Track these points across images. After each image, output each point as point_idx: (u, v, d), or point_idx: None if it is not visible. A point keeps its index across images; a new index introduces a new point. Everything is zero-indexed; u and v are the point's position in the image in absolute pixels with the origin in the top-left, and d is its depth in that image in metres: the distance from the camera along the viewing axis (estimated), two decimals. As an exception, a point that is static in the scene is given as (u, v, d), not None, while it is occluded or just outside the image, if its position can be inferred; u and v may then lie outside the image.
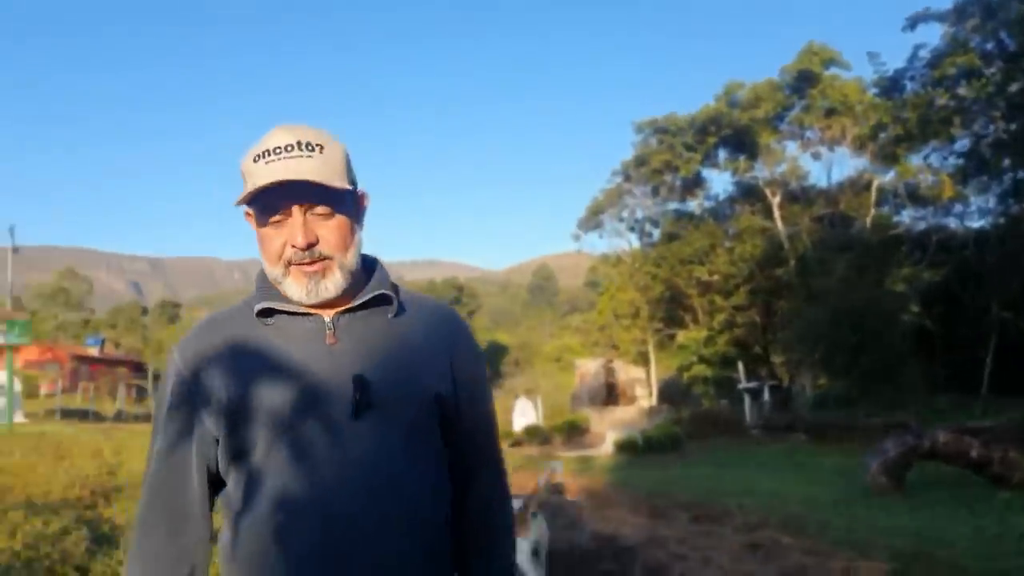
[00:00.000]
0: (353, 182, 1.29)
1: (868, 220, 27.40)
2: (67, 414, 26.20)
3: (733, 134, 27.51)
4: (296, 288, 1.22)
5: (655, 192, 32.06)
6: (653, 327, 33.92)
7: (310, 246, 1.20)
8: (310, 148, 1.21)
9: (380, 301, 1.28)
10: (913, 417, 15.15)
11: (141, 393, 45.60)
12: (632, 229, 35.67)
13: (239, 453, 1.22)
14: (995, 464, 9.51)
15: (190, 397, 1.24)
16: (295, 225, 1.20)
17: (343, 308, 1.26)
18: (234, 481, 1.24)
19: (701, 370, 29.93)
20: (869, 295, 17.18)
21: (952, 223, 27.55)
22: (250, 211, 1.27)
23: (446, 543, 1.29)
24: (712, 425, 20.36)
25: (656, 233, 34.38)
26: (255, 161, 1.20)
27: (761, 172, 28.99)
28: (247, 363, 1.23)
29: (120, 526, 6.64)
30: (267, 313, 1.25)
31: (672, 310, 33.15)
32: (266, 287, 1.28)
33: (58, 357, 50.77)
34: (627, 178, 33.87)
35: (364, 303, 1.27)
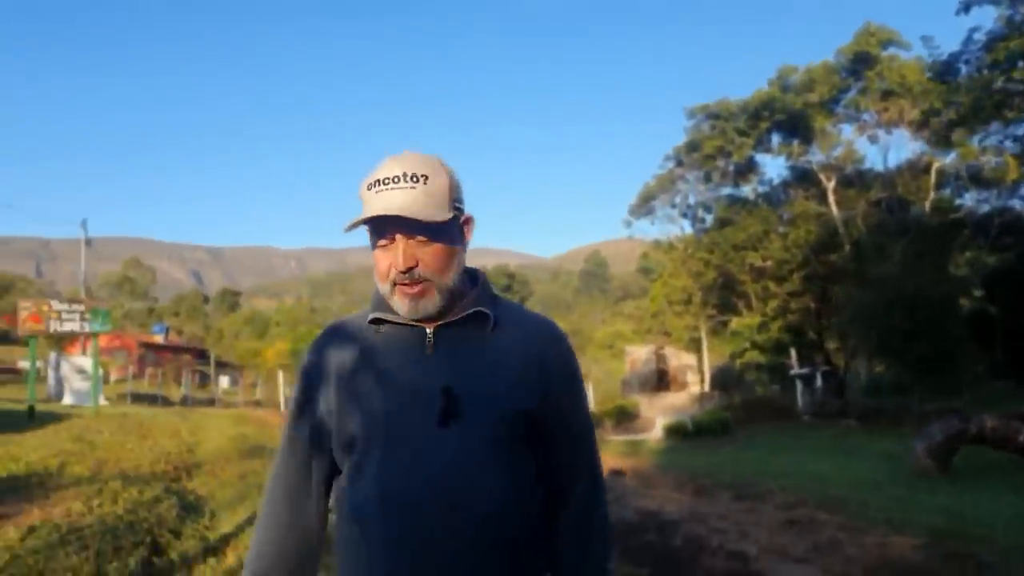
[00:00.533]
0: (459, 208, 1.38)
1: (927, 204, 26.83)
2: (137, 398, 27.35)
3: (787, 118, 27.18)
4: (400, 305, 1.34)
5: (707, 178, 31.90)
6: (706, 314, 33.82)
7: (410, 269, 1.31)
8: (415, 180, 1.32)
9: (477, 317, 1.36)
10: (967, 404, 15.03)
11: (204, 379, 46.94)
12: (684, 215, 35.63)
13: (347, 445, 1.35)
14: (1046, 449, 9.51)
15: (312, 392, 1.41)
16: (398, 251, 1.32)
17: (443, 322, 1.36)
18: (344, 470, 1.38)
19: (754, 357, 29.71)
20: (924, 280, 16.91)
21: (1017, 205, 26.84)
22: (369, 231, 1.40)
23: (522, 556, 1.33)
24: (763, 411, 20.40)
25: (709, 219, 34.23)
26: (368, 189, 1.34)
27: (815, 156, 28.57)
28: (357, 365, 1.37)
29: (203, 497, 7.29)
30: (378, 322, 1.39)
31: (725, 296, 32.96)
32: (380, 300, 1.40)
33: (126, 344, 52.94)
34: (679, 164, 33.77)
35: (462, 318, 1.36)
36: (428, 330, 1.35)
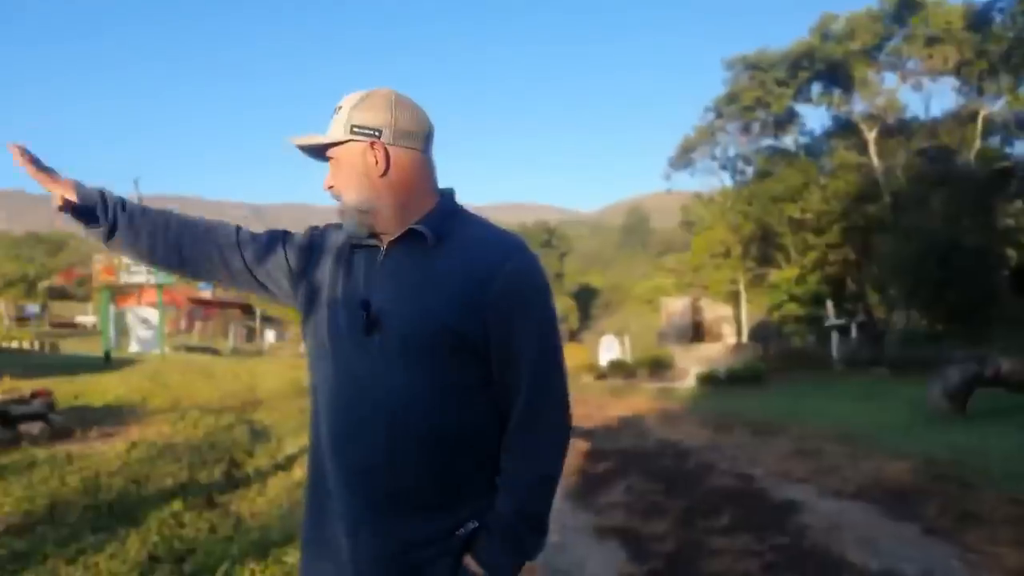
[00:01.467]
0: (362, 132, 1.41)
1: (972, 153, 26.39)
2: (190, 350, 28.79)
3: (827, 68, 26.84)
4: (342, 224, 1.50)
5: (746, 129, 31.71)
6: (744, 266, 33.87)
7: (331, 188, 1.46)
8: (335, 112, 1.45)
9: (415, 236, 1.41)
10: (997, 352, 15.25)
11: (250, 333, 48.34)
12: (724, 167, 35.51)
13: (304, 327, 1.53)
14: (1062, 392, 9.86)
15: (291, 255, 1.57)
16: (329, 174, 1.47)
17: (391, 239, 1.44)
18: (305, 345, 1.55)
19: (792, 309, 29.80)
20: (958, 230, 17.01)
21: (1069, 153, 26.27)
22: None
23: (461, 458, 1.41)
24: (797, 361, 20.83)
25: (748, 171, 34.09)
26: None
27: (857, 106, 28.19)
28: (330, 268, 1.51)
29: (268, 426, 8.21)
30: (350, 235, 1.50)
31: (764, 249, 32.94)
32: None
33: (175, 300, 54.75)
34: (719, 116, 33.57)
35: (402, 236, 1.42)
36: (382, 247, 1.45)
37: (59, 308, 53.14)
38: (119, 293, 43.57)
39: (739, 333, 33.46)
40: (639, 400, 13.49)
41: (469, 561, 1.39)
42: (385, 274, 1.42)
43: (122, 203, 1.54)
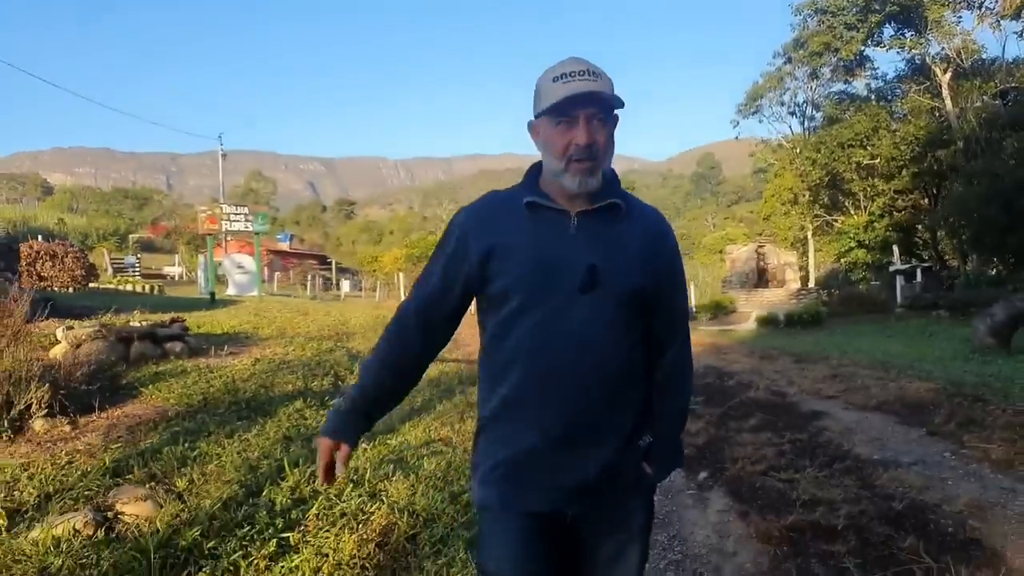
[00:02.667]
0: (621, 107, 1.63)
1: (1055, 95, 25.53)
2: (272, 296, 30.60)
3: (900, 10, 26.18)
4: (571, 180, 1.60)
5: (814, 75, 31.26)
6: (813, 213, 33.66)
7: (590, 146, 1.57)
8: (594, 75, 1.58)
9: (612, 207, 1.64)
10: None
11: (327, 283, 50.17)
12: (792, 114, 35.15)
13: (497, 297, 1.65)
14: (1106, 328, 10.21)
15: (466, 250, 1.67)
16: (581, 129, 1.57)
17: (584, 209, 1.63)
18: (493, 316, 1.68)
19: (860, 256, 29.66)
20: (1022, 174, 16.92)
21: None
22: (537, 122, 1.65)
23: (638, 390, 1.72)
24: (859, 305, 21.05)
25: (818, 117, 33.65)
26: (554, 81, 1.58)
27: (931, 48, 27.44)
28: (512, 235, 1.64)
29: (362, 351, 9.43)
30: (531, 206, 1.64)
31: (833, 196, 32.64)
32: (531, 182, 1.71)
33: (254, 251, 57.18)
34: (788, 61, 33.15)
35: (601, 207, 1.63)
36: (572, 213, 1.63)
37: (147, 260, 56.43)
38: (219, 241, 46.20)
39: (806, 279, 33.48)
40: (694, 338, 14.17)
41: (646, 466, 1.75)
42: (585, 238, 1.63)
43: (367, 416, 1.79)
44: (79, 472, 4.25)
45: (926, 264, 24.01)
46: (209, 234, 18.59)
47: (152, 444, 4.83)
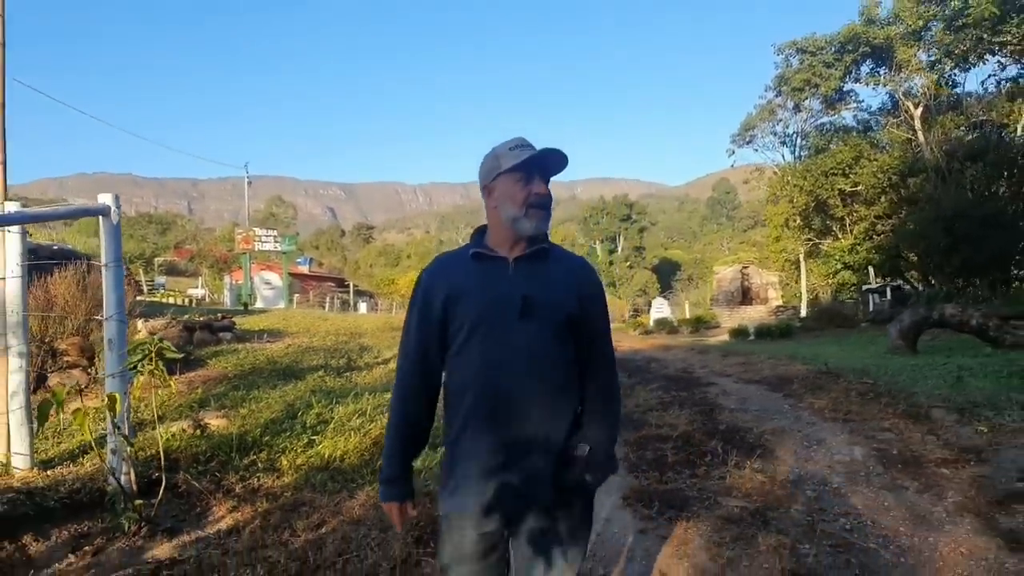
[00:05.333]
0: None
1: (1021, 127, 27.39)
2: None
3: (872, 51, 28.32)
4: (529, 224, 2.04)
5: (797, 109, 33.42)
6: (804, 237, 35.60)
7: (548, 196, 2.07)
8: (533, 148, 2.07)
9: (542, 252, 2.07)
10: (994, 307, 17.20)
11: (344, 305, 52.28)
12: (784, 143, 37.29)
13: (455, 332, 2.04)
14: (991, 329, 12.07)
15: (431, 299, 2.07)
16: (539, 184, 2.06)
17: (519, 255, 2.05)
18: (452, 349, 2.06)
19: (846, 277, 31.53)
20: (963, 200, 18.87)
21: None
22: (494, 183, 2.09)
23: (574, 402, 2.09)
24: (830, 320, 22.89)
25: (806, 146, 35.77)
26: (511, 150, 2.06)
27: (902, 85, 29.51)
28: (462, 281, 2.05)
29: (371, 345, 11.66)
30: (476, 256, 2.07)
31: (822, 220, 34.59)
32: (477, 240, 2.14)
33: (277, 273, 59.77)
34: (778, 94, 35.38)
35: (532, 252, 2.06)
36: (510, 259, 2.04)
37: (171, 283, 59.20)
38: (232, 266, 48.86)
39: (798, 300, 35.35)
40: (661, 342, 16.24)
41: (588, 477, 2.04)
42: (521, 277, 2.02)
43: (408, 470, 2.16)
44: (178, 403, 6.44)
45: (896, 284, 25.85)
46: (243, 252, 21.15)
47: (220, 391, 7.03)
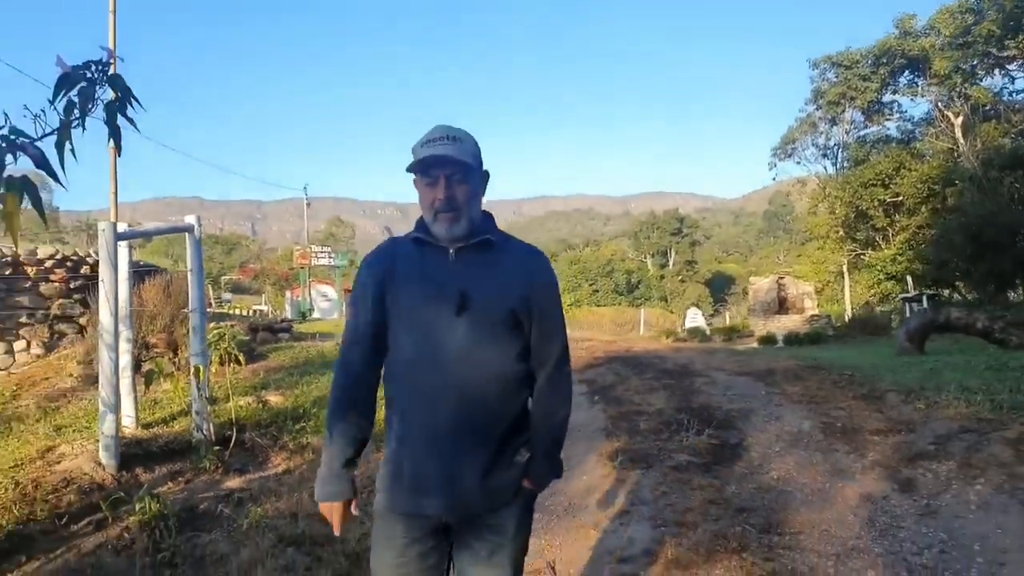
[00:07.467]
0: (480, 164, 2.01)
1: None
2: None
3: (908, 62, 28.73)
4: (439, 229, 1.95)
5: (833, 122, 33.90)
6: (846, 248, 35.85)
7: (448, 200, 1.92)
8: (453, 139, 1.93)
9: (485, 243, 1.97)
10: (1014, 314, 17.59)
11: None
12: (825, 155, 37.69)
13: (394, 316, 1.97)
14: (997, 332, 12.67)
15: (368, 281, 2.01)
16: (440, 187, 1.92)
17: (462, 245, 1.96)
18: (391, 331, 1.98)
19: (889, 287, 31.69)
20: (989, 209, 19.27)
21: None
22: (415, 180, 1.98)
23: (514, 402, 2.00)
24: (862, 328, 23.36)
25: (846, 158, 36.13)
26: (421, 146, 1.94)
27: (943, 95, 29.78)
28: (405, 267, 1.99)
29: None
30: (420, 242, 2.00)
31: (864, 231, 34.81)
32: (421, 226, 2.02)
33: (331, 287, 62.96)
34: (818, 108, 35.89)
35: (475, 243, 1.96)
36: (451, 250, 1.96)
37: (236, 301, 62.41)
38: (291, 283, 51.73)
39: (842, 308, 35.54)
40: (679, 345, 17.14)
41: (526, 482, 2.03)
42: (461, 269, 1.94)
43: (350, 465, 2.02)
44: (244, 385, 7.87)
45: (932, 293, 26.05)
46: (302, 268, 23.07)
47: (278, 377, 8.45)
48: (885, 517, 4.54)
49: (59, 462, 5.22)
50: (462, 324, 1.89)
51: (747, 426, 6.75)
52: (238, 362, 6.50)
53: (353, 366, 2.01)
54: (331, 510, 2.01)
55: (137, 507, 4.33)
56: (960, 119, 29.03)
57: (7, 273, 10.04)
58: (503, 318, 1.93)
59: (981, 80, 27.38)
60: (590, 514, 4.92)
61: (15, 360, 10.00)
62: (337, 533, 2.06)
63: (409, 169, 1.95)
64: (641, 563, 4.05)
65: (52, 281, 10.44)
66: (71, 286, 10.62)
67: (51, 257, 10.61)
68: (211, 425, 5.84)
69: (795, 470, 5.62)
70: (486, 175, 2.08)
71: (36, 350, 10.17)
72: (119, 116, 1.62)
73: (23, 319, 10.16)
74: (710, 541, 4.22)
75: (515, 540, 2.02)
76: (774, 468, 5.71)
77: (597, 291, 74.37)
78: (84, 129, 1.56)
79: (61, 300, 10.47)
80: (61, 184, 1.50)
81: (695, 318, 27.54)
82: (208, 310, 21.27)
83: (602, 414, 7.30)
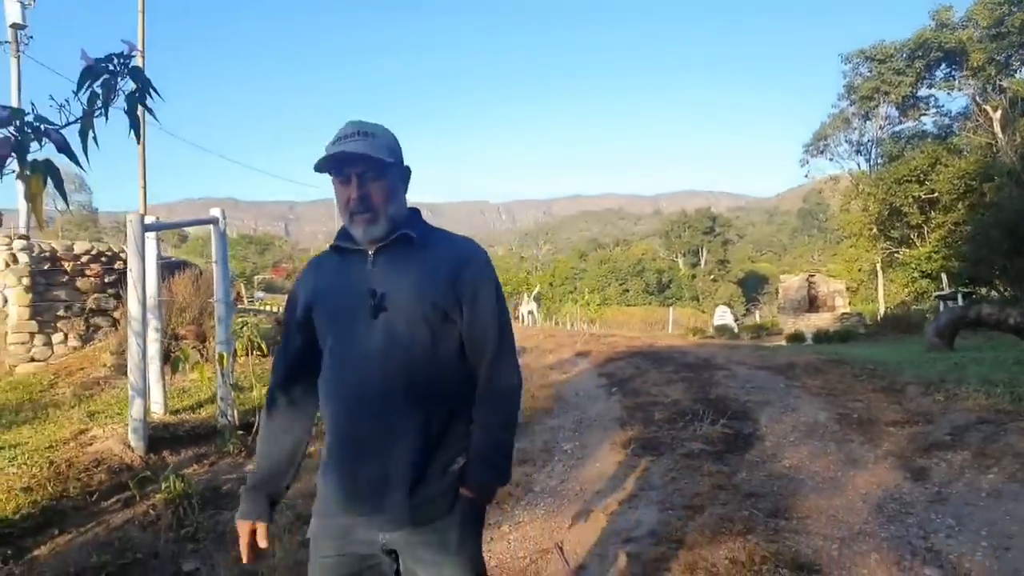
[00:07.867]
0: (398, 159, 1.91)
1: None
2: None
3: (944, 55, 28.22)
4: (356, 231, 1.86)
5: (866, 117, 33.37)
6: (880, 246, 35.25)
7: (362, 200, 1.82)
8: (365, 135, 1.83)
9: (405, 239, 1.86)
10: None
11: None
12: (859, 152, 37.11)
13: (318, 327, 1.91)
14: (1028, 328, 12.45)
15: (294, 300, 1.98)
16: (353, 186, 1.82)
17: (381, 245, 1.85)
18: (320, 344, 1.91)
19: (924, 285, 31.12)
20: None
21: None
22: (332, 178, 1.87)
23: (444, 409, 1.85)
24: (894, 327, 23.04)
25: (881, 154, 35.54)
26: (333, 144, 1.83)
27: (979, 88, 29.20)
28: (321, 280, 1.94)
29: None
30: (338, 249, 1.93)
31: (899, 228, 34.21)
32: (342, 231, 1.94)
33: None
34: (852, 103, 35.38)
35: (393, 240, 1.85)
36: (370, 251, 1.87)
37: (269, 299, 63.14)
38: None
39: (876, 306, 34.99)
40: (705, 341, 17.06)
41: (463, 490, 1.87)
42: (380, 270, 1.85)
43: (273, 487, 1.97)
44: (268, 373, 8.07)
45: (967, 291, 25.56)
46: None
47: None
48: (894, 504, 4.56)
49: (91, 444, 5.45)
50: (379, 326, 1.79)
51: (762, 417, 6.77)
52: (261, 351, 6.69)
53: (274, 379, 2.01)
54: (243, 531, 1.92)
55: (163, 486, 4.52)
56: (999, 113, 28.42)
57: (46, 268, 10.38)
58: (425, 315, 1.81)
59: (1016, 72, 26.74)
60: (600, 498, 5.02)
61: (53, 352, 10.34)
62: (244, 560, 1.92)
63: (318, 168, 1.84)
64: (646, 543, 4.13)
65: (88, 276, 10.77)
66: (105, 280, 10.95)
67: (87, 252, 10.95)
68: (235, 411, 6.03)
69: (807, 459, 5.65)
70: (407, 171, 1.98)
71: (73, 342, 10.50)
72: (139, 106, 1.69)
73: (60, 312, 10.49)
74: (716, 524, 4.28)
75: (460, 555, 1.85)
76: (786, 457, 5.74)
77: (627, 291, 74.09)
78: (107, 119, 1.63)
79: (96, 294, 10.80)
80: (82, 167, 1.59)
81: (724, 316, 27.34)
82: (240, 306, 21.61)
83: (618, 405, 7.38)
